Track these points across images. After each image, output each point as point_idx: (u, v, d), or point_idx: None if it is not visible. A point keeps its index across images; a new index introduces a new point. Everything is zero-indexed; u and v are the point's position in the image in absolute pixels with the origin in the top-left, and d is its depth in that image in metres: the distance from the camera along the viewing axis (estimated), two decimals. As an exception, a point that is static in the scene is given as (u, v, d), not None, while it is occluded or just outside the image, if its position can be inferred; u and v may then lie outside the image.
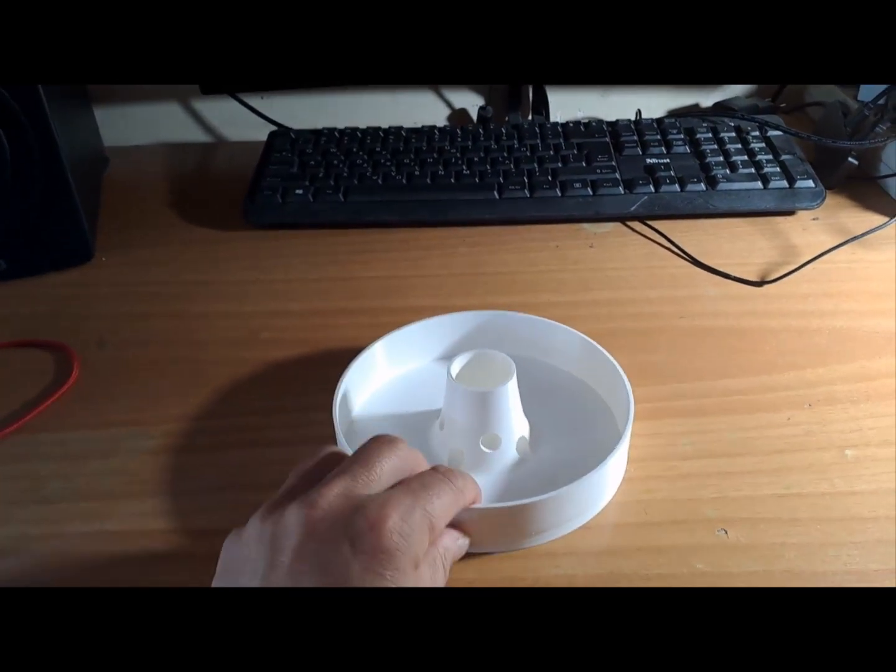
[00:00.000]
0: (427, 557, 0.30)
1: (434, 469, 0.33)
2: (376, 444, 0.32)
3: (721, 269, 0.57)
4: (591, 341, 0.46)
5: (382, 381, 0.48)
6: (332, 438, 0.42)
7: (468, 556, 0.36)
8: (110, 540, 0.40)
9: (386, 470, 0.31)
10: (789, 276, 0.56)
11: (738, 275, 0.57)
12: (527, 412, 0.43)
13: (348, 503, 0.29)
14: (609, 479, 0.40)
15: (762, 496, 0.40)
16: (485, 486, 0.40)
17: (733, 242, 0.60)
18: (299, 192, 0.63)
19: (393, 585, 0.27)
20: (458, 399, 0.41)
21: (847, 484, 0.41)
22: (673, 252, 0.60)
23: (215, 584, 0.30)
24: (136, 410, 0.47)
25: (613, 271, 0.58)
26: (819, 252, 0.57)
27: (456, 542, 0.34)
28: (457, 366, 0.42)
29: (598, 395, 0.47)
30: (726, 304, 0.54)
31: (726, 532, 0.39)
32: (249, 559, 0.28)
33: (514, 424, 0.42)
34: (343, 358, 0.46)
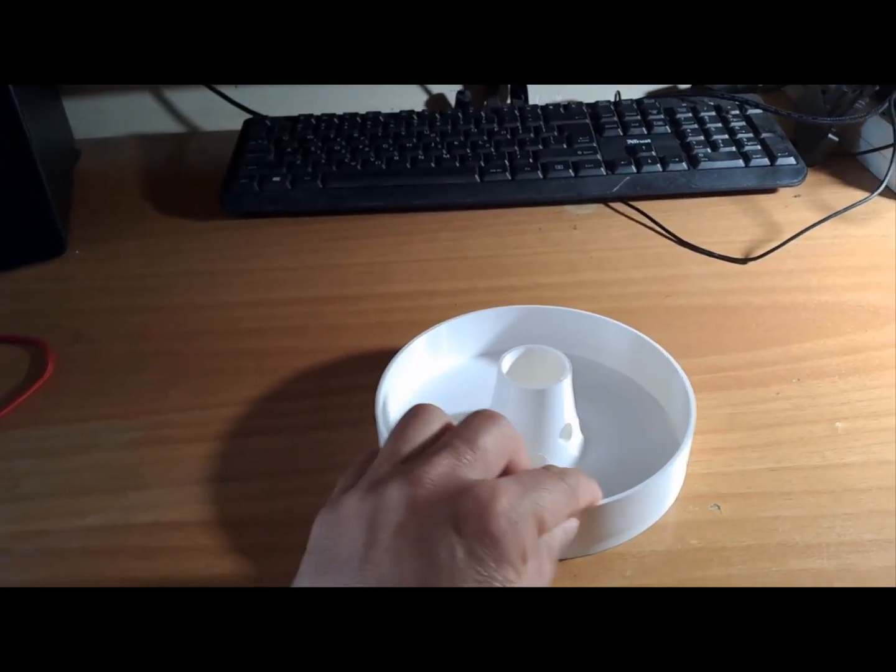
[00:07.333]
0: (533, 549, 0.28)
1: (547, 467, 0.32)
2: (479, 420, 0.30)
3: (705, 248, 0.57)
4: (644, 336, 0.44)
5: (423, 379, 0.46)
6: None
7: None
8: (92, 536, 0.39)
9: (489, 447, 0.29)
10: (773, 253, 0.56)
11: (722, 253, 0.56)
12: (577, 411, 0.41)
13: (454, 483, 0.27)
14: (672, 483, 0.38)
15: (754, 471, 0.40)
16: None
17: (716, 221, 0.60)
18: (277, 179, 0.62)
19: (495, 573, 0.26)
20: (510, 398, 0.39)
21: (838, 456, 0.41)
22: (657, 232, 0.59)
23: (307, 561, 0.28)
24: (113, 404, 0.46)
25: (598, 252, 0.57)
26: (802, 228, 0.57)
27: (563, 530, 0.31)
28: (507, 362, 0.40)
29: (649, 394, 0.45)
30: (711, 282, 0.54)
31: (719, 507, 0.38)
32: (346, 536, 0.27)
33: (569, 424, 0.40)
34: (327, 346, 0.44)
